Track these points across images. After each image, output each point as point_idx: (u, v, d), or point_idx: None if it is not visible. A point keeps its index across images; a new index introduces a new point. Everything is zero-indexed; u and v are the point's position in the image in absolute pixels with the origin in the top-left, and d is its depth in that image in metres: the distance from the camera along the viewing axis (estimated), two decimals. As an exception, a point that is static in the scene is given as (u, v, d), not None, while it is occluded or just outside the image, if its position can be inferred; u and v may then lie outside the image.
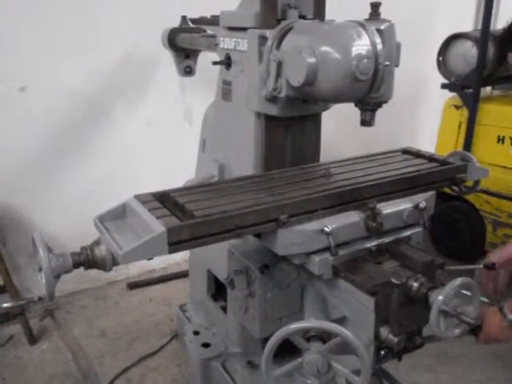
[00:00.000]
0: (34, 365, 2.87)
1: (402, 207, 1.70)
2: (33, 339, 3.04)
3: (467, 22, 4.81)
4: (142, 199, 1.56)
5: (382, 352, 1.52)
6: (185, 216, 1.46)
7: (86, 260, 1.47)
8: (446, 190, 2.02)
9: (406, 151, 2.11)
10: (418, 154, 2.06)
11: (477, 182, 2.03)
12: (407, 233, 1.72)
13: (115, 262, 1.46)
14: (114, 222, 1.52)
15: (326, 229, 1.51)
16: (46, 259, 1.37)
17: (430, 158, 2.00)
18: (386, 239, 1.66)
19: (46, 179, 3.31)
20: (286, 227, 1.50)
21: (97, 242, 1.49)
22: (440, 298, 1.33)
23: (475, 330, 1.51)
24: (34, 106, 3.12)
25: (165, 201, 1.59)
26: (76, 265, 1.47)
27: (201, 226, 1.40)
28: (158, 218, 1.42)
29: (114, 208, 1.55)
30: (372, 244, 1.63)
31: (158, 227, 1.35)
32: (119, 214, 1.55)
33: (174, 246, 1.36)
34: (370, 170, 1.86)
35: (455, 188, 2.01)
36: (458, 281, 1.35)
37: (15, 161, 3.17)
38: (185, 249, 1.41)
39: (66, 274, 1.48)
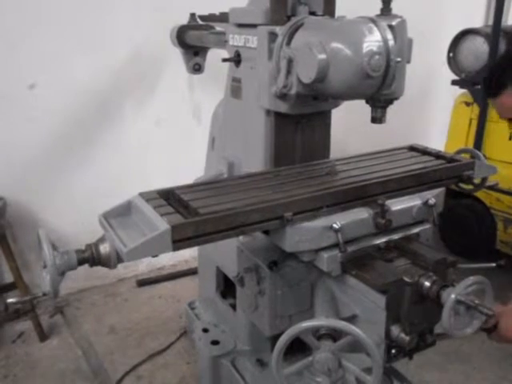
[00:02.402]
0: (44, 361, 2.88)
1: (411, 204, 1.68)
2: (43, 336, 3.06)
3: (478, 18, 4.77)
4: (146, 196, 1.55)
5: (393, 351, 1.51)
6: (189, 213, 1.45)
7: (91, 257, 1.45)
8: (454, 187, 2.00)
9: (412, 148, 2.09)
10: (424, 151, 2.03)
11: (484, 180, 2.01)
12: (416, 229, 1.71)
13: (120, 260, 1.45)
14: (118, 219, 1.52)
15: (334, 225, 1.50)
16: (50, 256, 1.36)
17: (437, 155, 1.97)
18: (395, 236, 1.65)
19: (55, 177, 3.32)
20: (290, 225, 1.49)
21: (101, 239, 1.48)
22: (452, 296, 1.32)
23: (489, 328, 1.49)
24: (42, 103, 3.13)
25: (170, 198, 1.58)
26: (80, 262, 1.45)
27: (205, 223, 1.39)
28: (162, 215, 1.41)
29: (118, 205, 1.54)
30: (381, 241, 1.62)
31: (162, 225, 1.34)
32: (124, 212, 1.54)
33: (178, 243, 1.35)
34: (376, 167, 1.84)
35: (462, 185, 1.99)
36: (471, 279, 1.34)
37: (25, 158, 3.18)
38: (189, 246, 1.40)
39: (76, 271, 1.48)
